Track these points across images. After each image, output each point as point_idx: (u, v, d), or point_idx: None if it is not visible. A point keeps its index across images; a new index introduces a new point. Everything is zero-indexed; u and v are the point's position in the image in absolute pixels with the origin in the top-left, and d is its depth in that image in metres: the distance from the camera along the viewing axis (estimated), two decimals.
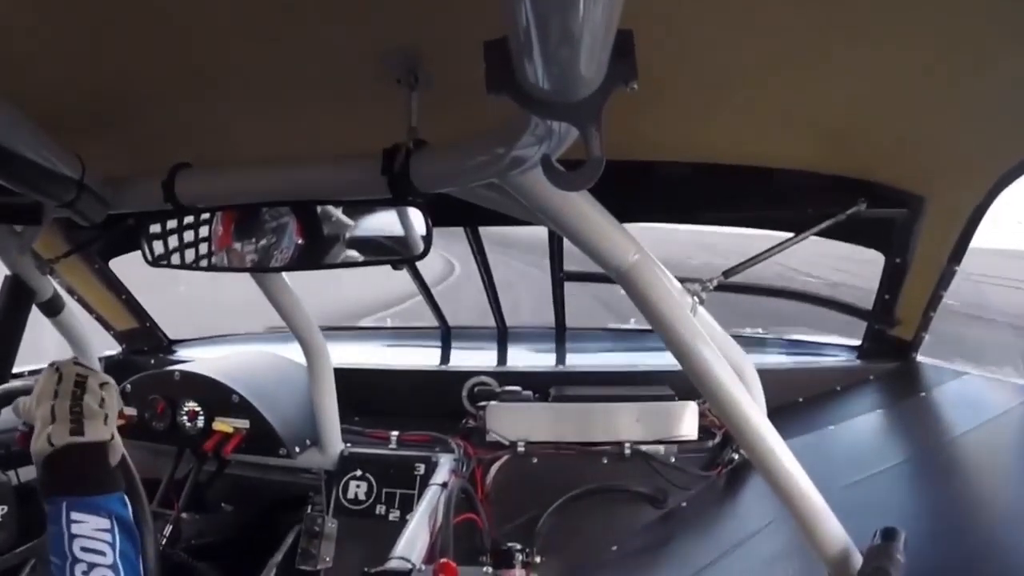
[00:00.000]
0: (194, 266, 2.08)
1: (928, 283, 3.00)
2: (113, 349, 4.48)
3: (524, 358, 4.45)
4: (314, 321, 3.33)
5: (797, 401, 3.59)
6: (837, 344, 4.11)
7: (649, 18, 1.12)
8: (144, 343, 4.54)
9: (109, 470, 1.94)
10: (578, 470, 3.41)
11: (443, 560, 2.31)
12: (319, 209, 1.99)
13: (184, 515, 3.28)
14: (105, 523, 1.83)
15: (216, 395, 3.35)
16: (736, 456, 3.29)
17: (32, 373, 3.71)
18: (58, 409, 1.87)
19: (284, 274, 3.06)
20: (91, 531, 1.80)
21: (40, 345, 3.50)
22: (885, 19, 1.51)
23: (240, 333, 5.29)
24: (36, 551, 2.53)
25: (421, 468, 3.31)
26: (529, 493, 3.38)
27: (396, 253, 2.03)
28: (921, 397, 3.22)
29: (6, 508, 2.17)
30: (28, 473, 3.14)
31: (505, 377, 3.83)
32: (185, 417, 3.38)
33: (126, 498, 1.93)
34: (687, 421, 3.39)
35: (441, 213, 1.88)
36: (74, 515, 1.80)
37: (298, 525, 3.31)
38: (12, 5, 1.38)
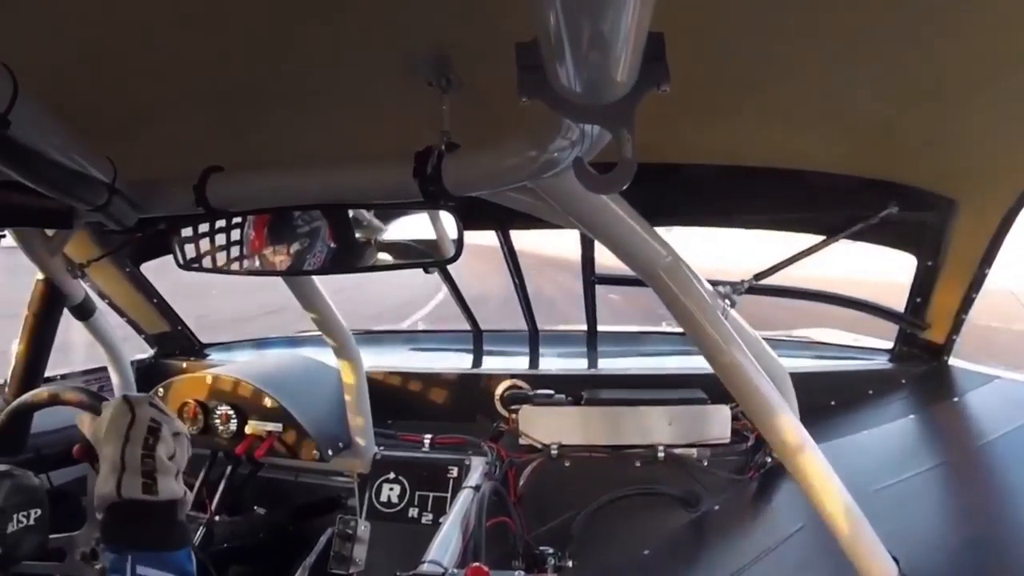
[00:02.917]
0: (226, 270, 2.09)
1: (960, 286, 2.98)
2: (145, 352, 4.49)
3: (556, 361, 4.45)
4: (346, 325, 3.33)
5: (829, 405, 3.57)
6: (869, 347, 4.09)
7: (679, 21, 1.11)
8: (176, 346, 4.55)
9: (177, 526, 1.92)
10: (611, 473, 3.41)
11: (476, 564, 2.31)
12: (351, 213, 1.99)
13: (217, 518, 3.29)
14: None
15: (249, 398, 3.37)
16: (768, 460, 3.28)
17: (64, 377, 3.75)
18: (128, 456, 1.84)
19: (316, 278, 3.06)
20: None
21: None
22: (916, 21, 1.50)
23: (272, 336, 5.30)
24: (73, 543, 2.54)
25: (454, 471, 3.30)
26: (562, 496, 3.38)
27: (428, 256, 2.03)
28: (953, 401, 3.20)
29: (40, 511, 2.17)
30: (61, 476, 3.16)
31: (537, 380, 3.82)
32: (218, 420, 3.40)
33: (192, 552, 1.93)
34: (719, 424, 3.38)
35: (472, 216, 1.88)
36: (140, 569, 1.78)
37: (331, 528, 3.30)
38: (46, 11, 1.38)
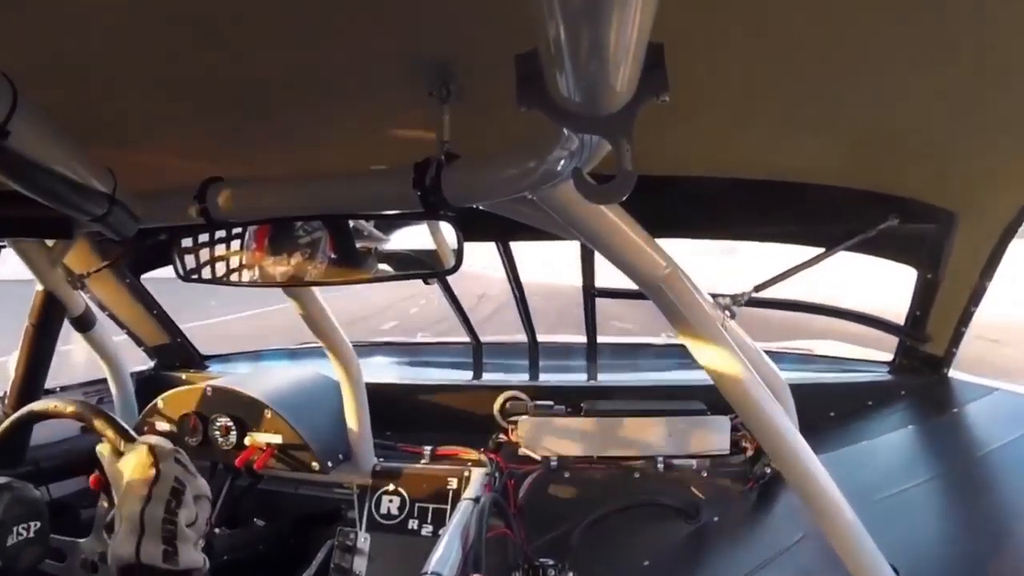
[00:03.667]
0: (226, 281, 2.09)
1: (960, 299, 2.98)
2: (144, 364, 4.48)
3: (556, 373, 4.45)
4: (346, 336, 3.33)
5: (829, 416, 3.57)
6: (869, 360, 4.09)
7: (679, 32, 1.11)
8: (176, 358, 4.55)
9: None
10: (610, 485, 3.40)
11: (475, 575, 2.31)
12: (351, 223, 1.99)
13: (217, 530, 3.28)
14: None
15: (248, 410, 3.36)
16: (768, 471, 3.27)
17: (64, 389, 3.74)
18: (148, 518, 1.81)
19: (316, 288, 3.06)
20: None
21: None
22: (916, 34, 1.50)
23: (272, 348, 5.30)
24: (75, 549, 2.53)
25: (454, 483, 3.30)
26: (561, 508, 3.38)
27: (428, 267, 2.03)
28: (953, 413, 3.21)
29: (39, 524, 2.17)
30: (60, 489, 3.16)
31: (537, 392, 3.81)
32: (217, 432, 3.38)
33: None
34: (719, 436, 3.38)
35: (472, 227, 1.88)
36: None
37: (331, 540, 3.31)
38: (46, 20, 1.39)
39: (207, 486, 1.99)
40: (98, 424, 2.13)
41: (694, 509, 3.30)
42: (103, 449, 2.00)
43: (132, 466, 1.87)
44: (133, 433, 2.06)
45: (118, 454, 1.97)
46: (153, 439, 1.96)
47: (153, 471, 1.85)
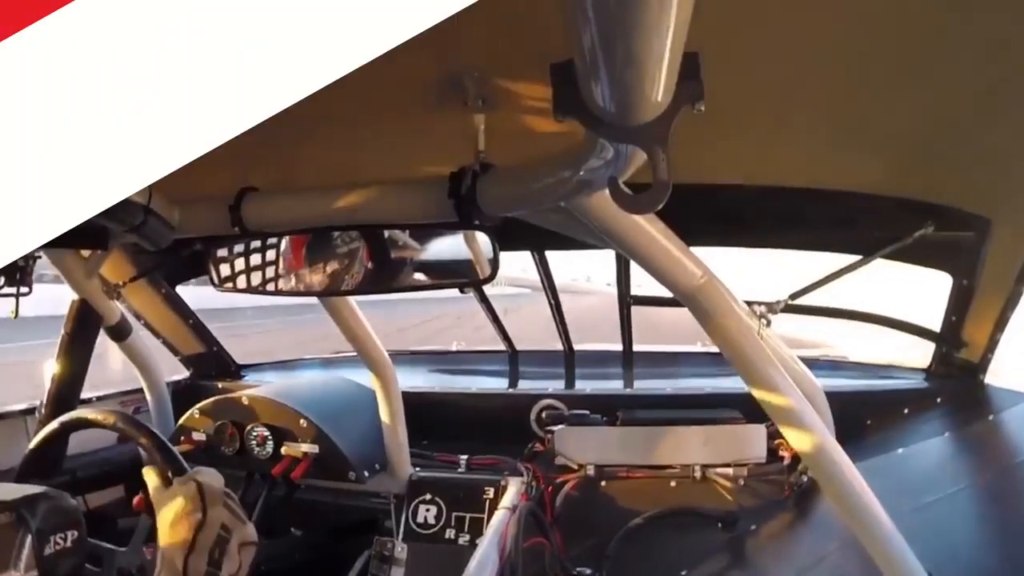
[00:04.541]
0: (262, 290, 2.09)
1: (995, 305, 2.96)
2: (181, 374, 4.50)
3: (592, 381, 4.43)
4: (382, 345, 3.33)
5: (865, 424, 3.55)
6: (904, 366, 4.06)
7: (713, 41, 1.11)
8: (212, 368, 4.58)
9: None
10: (647, 493, 3.39)
11: None
12: (386, 233, 1.99)
13: None
14: None
15: (285, 419, 3.37)
16: (805, 479, 3.25)
17: (100, 399, 3.76)
18: (192, 568, 1.78)
19: (352, 298, 3.06)
20: None
21: None
22: (948, 40, 1.49)
23: (308, 358, 5.32)
24: (113, 556, 2.53)
25: (490, 492, 3.30)
26: (598, 517, 3.37)
27: (463, 276, 2.03)
28: (989, 420, 3.18)
29: (77, 533, 2.16)
30: (97, 499, 3.17)
31: (573, 400, 3.81)
32: (254, 442, 3.39)
33: None
34: (755, 444, 3.36)
35: (508, 236, 1.88)
36: None
37: (368, 550, 3.32)
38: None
39: (254, 532, 1.97)
40: (146, 445, 2.12)
41: (731, 518, 3.27)
42: (150, 477, 1.99)
43: (179, 505, 1.84)
44: (184, 463, 2.04)
45: (166, 482, 1.95)
46: (204, 474, 1.94)
47: (199, 515, 1.83)
